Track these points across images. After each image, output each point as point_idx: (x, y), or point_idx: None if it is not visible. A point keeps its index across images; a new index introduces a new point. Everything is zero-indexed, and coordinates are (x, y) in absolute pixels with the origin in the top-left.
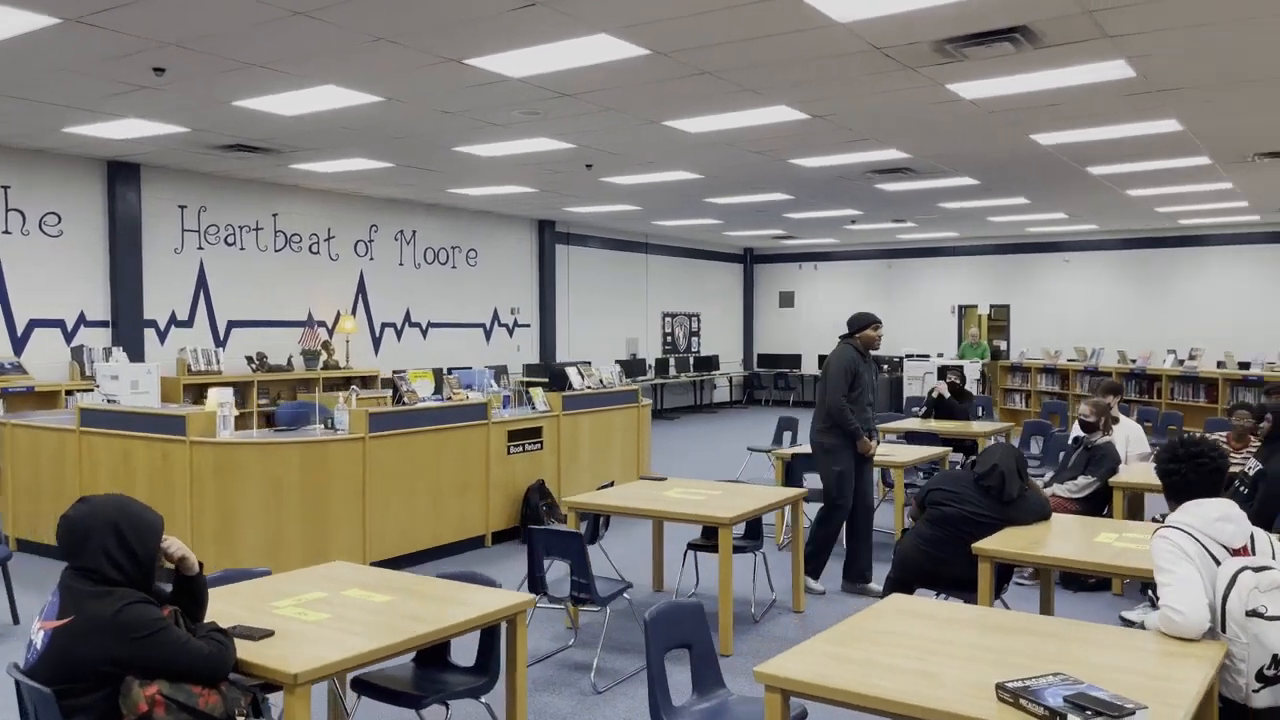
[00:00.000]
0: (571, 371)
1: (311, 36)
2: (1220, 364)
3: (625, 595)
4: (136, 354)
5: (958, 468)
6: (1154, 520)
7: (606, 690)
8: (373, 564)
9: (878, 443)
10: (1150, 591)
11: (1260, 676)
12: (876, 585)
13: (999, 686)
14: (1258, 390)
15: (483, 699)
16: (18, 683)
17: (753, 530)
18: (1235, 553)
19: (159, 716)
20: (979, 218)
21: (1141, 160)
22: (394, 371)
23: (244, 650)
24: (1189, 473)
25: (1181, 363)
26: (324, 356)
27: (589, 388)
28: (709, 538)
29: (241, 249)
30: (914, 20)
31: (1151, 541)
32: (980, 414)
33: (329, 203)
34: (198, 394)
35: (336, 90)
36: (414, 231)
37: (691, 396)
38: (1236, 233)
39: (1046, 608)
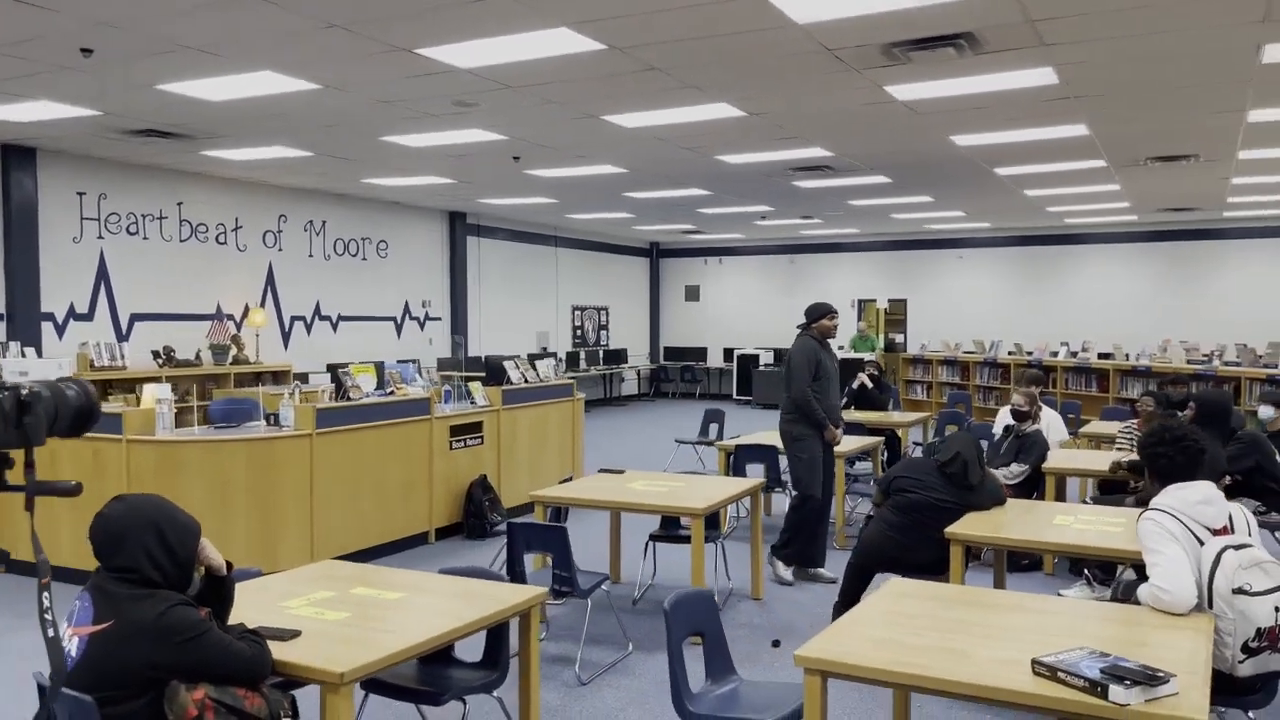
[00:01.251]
0: (509, 365)
1: (260, 20)
2: (1108, 355)
3: (604, 587)
4: (33, 348)
5: (918, 454)
6: (1085, 503)
7: (591, 681)
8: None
9: (842, 431)
10: (1086, 571)
11: (1245, 648)
12: (827, 572)
13: (1035, 661)
14: (1145, 379)
15: (495, 693)
16: (42, 694)
17: (711, 521)
18: (1216, 533)
19: None
20: (883, 215)
21: (1045, 162)
22: (336, 365)
23: (277, 651)
24: (1176, 455)
25: (1075, 354)
26: (233, 351)
27: (526, 381)
28: (668, 528)
29: (145, 238)
30: (869, 24)
31: (1138, 524)
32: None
33: (236, 191)
34: (101, 391)
35: (273, 76)
36: (324, 222)
37: (601, 389)
38: (1115, 232)
39: (999, 586)
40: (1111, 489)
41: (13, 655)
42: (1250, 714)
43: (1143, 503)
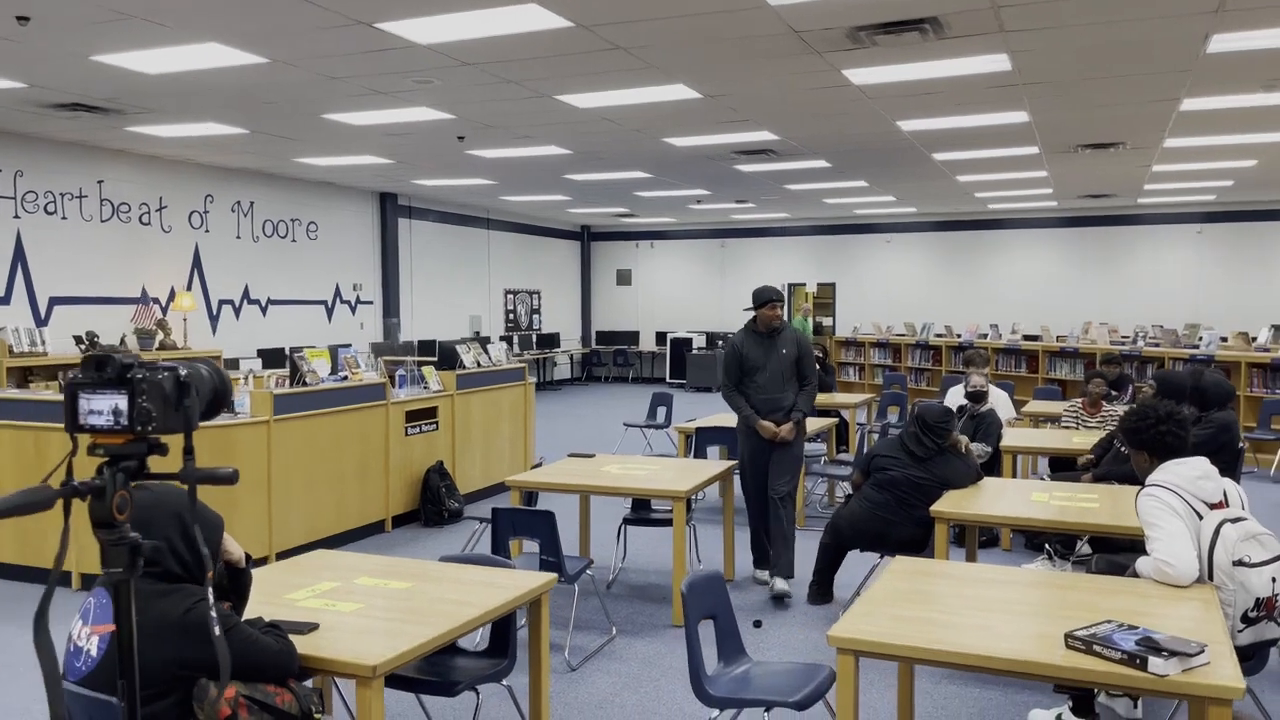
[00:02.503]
0: (461, 349)
1: None
2: (1035, 337)
3: (589, 571)
4: None
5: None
6: (1041, 479)
7: (580, 667)
8: (278, 555)
9: (796, 423)
10: (1047, 546)
11: (1245, 618)
12: (782, 584)
13: (1069, 635)
14: (1073, 360)
15: (504, 682)
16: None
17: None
18: (1213, 507)
19: (243, 719)
20: (815, 199)
21: (982, 148)
22: (267, 350)
23: (300, 645)
24: (1176, 429)
25: (1002, 336)
26: (160, 336)
27: (479, 365)
28: (638, 511)
29: (64, 218)
30: (839, 6)
31: (1138, 500)
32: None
33: (160, 170)
34: (21, 378)
35: (219, 49)
36: (252, 203)
37: (535, 374)
38: (1036, 217)
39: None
40: (1062, 466)
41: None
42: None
43: (1115, 478)
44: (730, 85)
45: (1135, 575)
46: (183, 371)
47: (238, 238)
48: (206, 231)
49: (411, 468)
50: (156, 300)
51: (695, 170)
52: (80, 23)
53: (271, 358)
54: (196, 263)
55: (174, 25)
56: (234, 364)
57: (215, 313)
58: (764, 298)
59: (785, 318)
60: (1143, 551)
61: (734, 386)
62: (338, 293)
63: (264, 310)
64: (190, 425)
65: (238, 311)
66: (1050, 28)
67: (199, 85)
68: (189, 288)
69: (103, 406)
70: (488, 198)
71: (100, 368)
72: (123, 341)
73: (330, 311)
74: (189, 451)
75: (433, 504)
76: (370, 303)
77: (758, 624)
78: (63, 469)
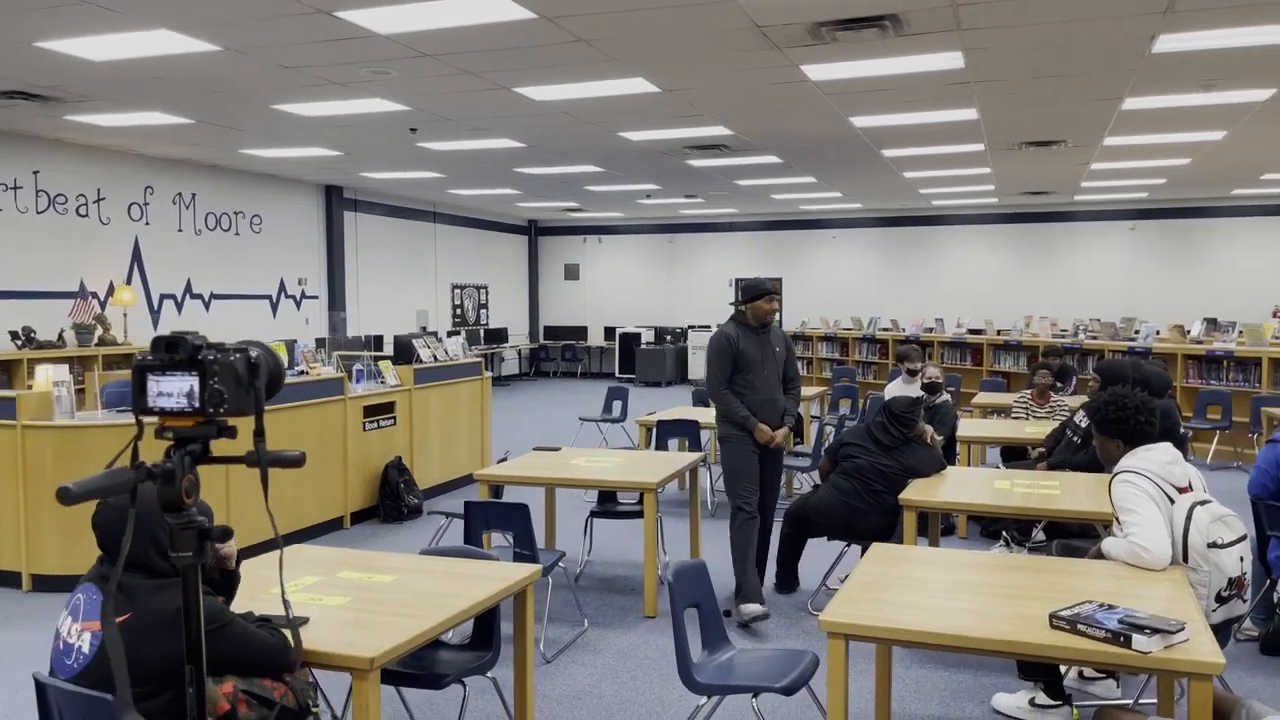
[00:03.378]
0: (419, 344)
1: None
2: (979, 331)
3: (564, 565)
4: None
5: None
6: (995, 467)
7: (555, 658)
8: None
9: (790, 428)
10: (1005, 533)
11: (1218, 598)
12: (755, 608)
13: (1053, 616)
14: (1016, 353)
15: (489, 674)
16: (43, 695)
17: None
18: (1180, 491)
19: (243, 715)
20: (764, 194)
21: (930, 145)
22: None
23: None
24: (1151, 418)
25: (947, 330)
26: (99, 331)
27: (436, 360)
28: (605, 504)
29: None
30: (803, 2)
31: (1113, 486)
32: None
33: (98, 160)
34: None
35: (170, 35)
36: (194, 195)
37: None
38: (977, 213)
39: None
40: (1013, 455)
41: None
42: None
43: (1069, 466)
44: (690, 80)
45: (1099, 556)
46: (253, 353)
47: (179, 230)
48: (147, 224)
49: (370, 463)
50: (95, 294)
51: (647, 165)
52: (23, 7)
53: None
54: (136, 256)
55: (124, 11)
56: None
57: (156, 307)
58: (761, 289)
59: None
60: (1096, 536)
61: (726, 386)
62: (282, 287)
63: (207, 305)
64: (260, 407)
65: (180, 306)
66: (1005, 26)
67: (146, 73)
68: (129, 281)
69: (172, 389)
70: (435, 191)
71: (171, 349)
72: (60, 338)
73: (275, 306)
74: (260, 433)
75: (392, 500)
76: (315, 297)
77: (727, 614)
78: (128, 453)
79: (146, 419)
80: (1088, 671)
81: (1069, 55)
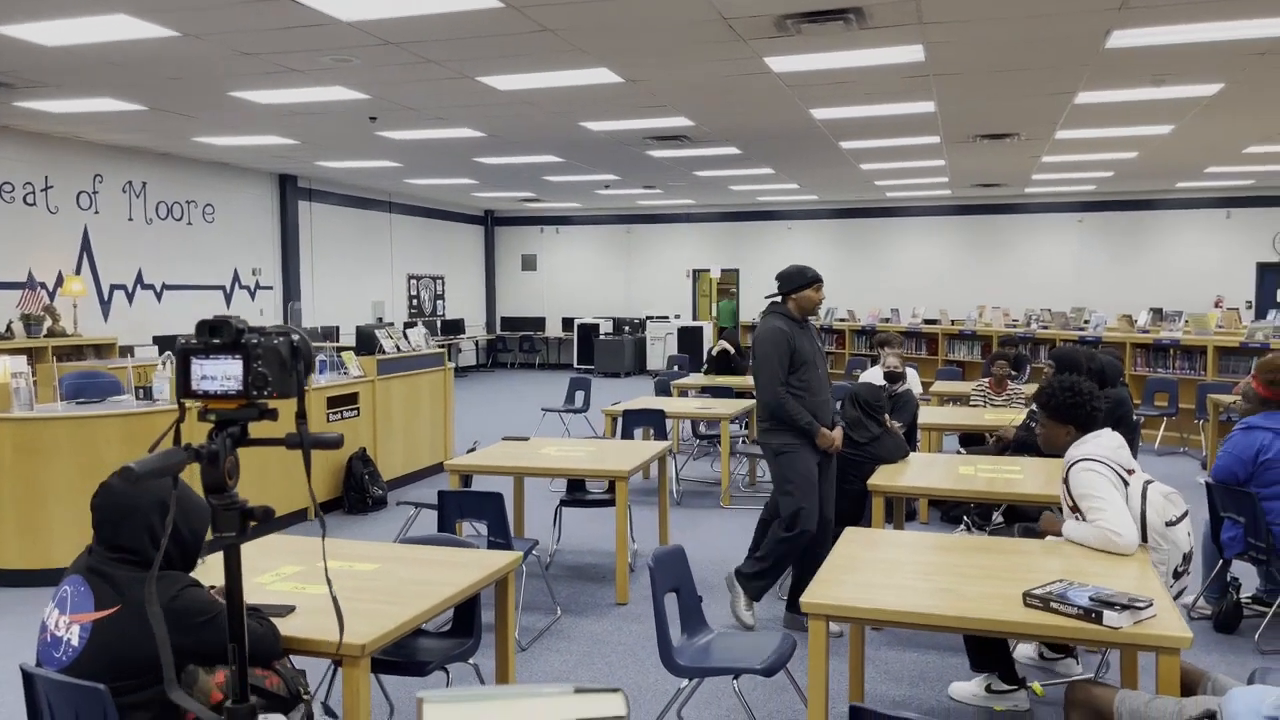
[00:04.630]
0: (381, 334)
1: None
2: (934, 321)
3: (535, 553)
4: None
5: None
6: (957, 453)
7: (530, 646)
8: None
9: (841, 432)
10: (966, 518)
11: (1175, 574)
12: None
13: (1027, 594)
14: (970, 343)
15: (471, 661)
16: (31, 687)
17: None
18: (1129, 473)
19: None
20: (722, 186)
21: (888, 137)
22: (163, 338)
23: (282, 628)
24: (1099, 404)
25: (903, 320)
26: (48, 322)
27: (399, 351)
28: (574, 493)
29: None
30: None
31: (1074, 474)
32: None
33: (46, 147)
34: None
35: (127, 20)
36: (144, 183)
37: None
38: (931, 205)
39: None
40: (971, 442)
41: None
42: None
43: (1020, 447)
44: (653, 71)
45: (1050, 525)
46: (295, 336)
47: (130, 219)
48: (96, 213)
49: (333, 455)
50: (44, 285)
51: (607, 155)
52: None
53: (168, 345)
54: (86, 246)
55: None
56: (129, 351)
57: (106, 298)
58: (808, 275)
59: (737, 302)
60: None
61: (783, 387)
62: (236, 277)
63: (159, 295)
64: (302, 389)
65: (130, 296)
66: (965, 20)
67: (100, 59)
68: (78, 272)
69: (216, 372)
70: (391, 180)
71: (215, 333)
72: (8, 329)
73: (229, 297)
74: (302, 415)
75: (356, 491)
76: (270, 288)
77: (700, 599)
78: (170, 435)
79: (189, 402)
80: (1048, 652)
81: (1026, 49)
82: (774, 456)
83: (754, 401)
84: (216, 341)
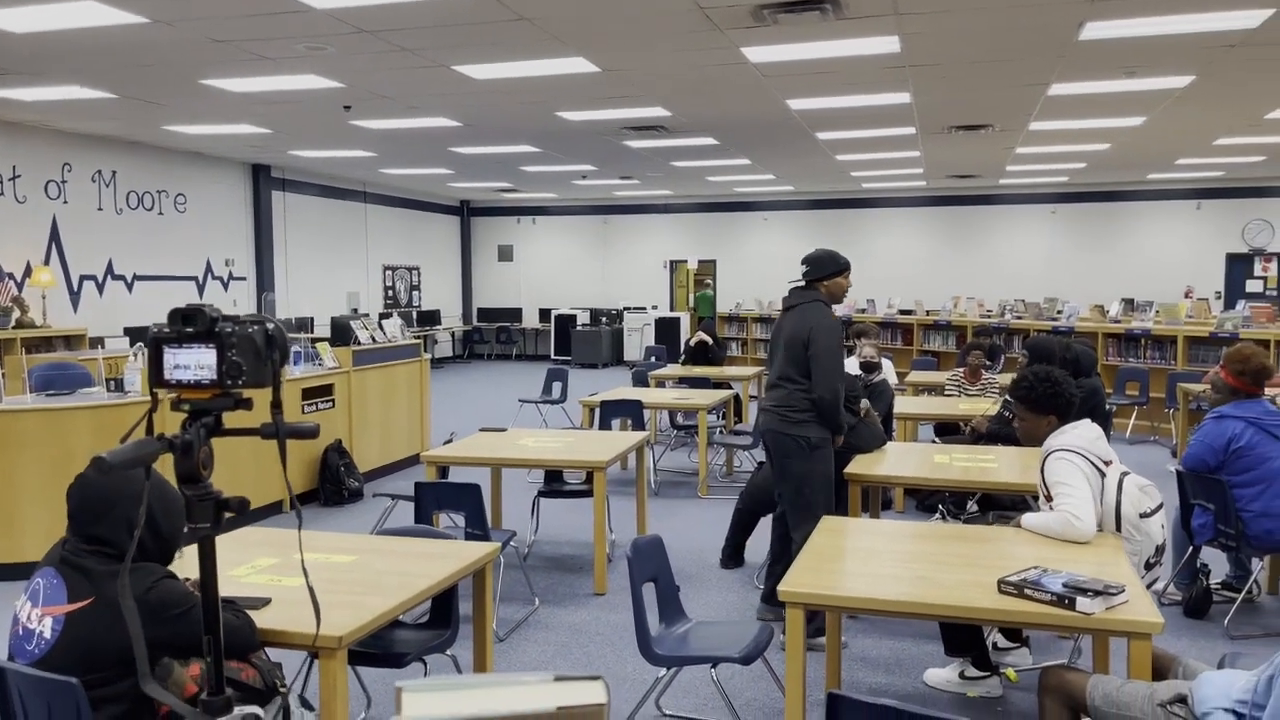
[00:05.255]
0: (357, 325)
1: None
2: (909, 311)
3: (513, 544)
4: None
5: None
6: (933, 443)
7: (509, 637)
8: None
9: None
10: (941, 506)
11: (1147, 565)
12: None
13: (1002, 581)
14: (945, 333)
15: (448, 652)
16: (2, 680)
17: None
18: (1106, 464)
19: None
20: (699, 177)
21: (864, 128)
22: (135, 329)
23: (259, 620)
24: (1073, 389)
25: (879, 310)
26: (16, 314)
27: (375, 341)
28: (551, 483)
29: None
30: None
31: (1048, 463)
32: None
33: (13, 136)
34: None
35: (96, 6)
36: (114, 172)
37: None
38: (906, 196)
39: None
40: (945, 431)
41: None
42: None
43: (993, 437)
44: (630, 60)
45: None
46: (270, 325)
47: (99, 209)
48: (65, 202)
49: (309, 446)
50: (11, 276)
51: (584, 145)
52: None
53: (140, 336)
54: (54, 236)
55: None
56: (99, 343)
57: (76, 289)
58: (842, 262)
59: (714, 292)
60: (1029, 508)
61: None
62: (209, 268)
63: (130, 286)
64: (278, 379)
65: (101, 287)
66: (940, 12)
67: (69, 46)
68: (46, 262)
69: (189, 361)
70: (366, 170)
71: (188, 321)
72: None
73: (201, 287)
74: (277, 405)
75: (332, 483)
76: (244, 279)
77: (677, 588)
78: (142, 426)
79: (162, 392)
80: (1002, 641)
81: (1001, 41)
82: (808, 450)
83: (730, 392)
84: (190, 330)
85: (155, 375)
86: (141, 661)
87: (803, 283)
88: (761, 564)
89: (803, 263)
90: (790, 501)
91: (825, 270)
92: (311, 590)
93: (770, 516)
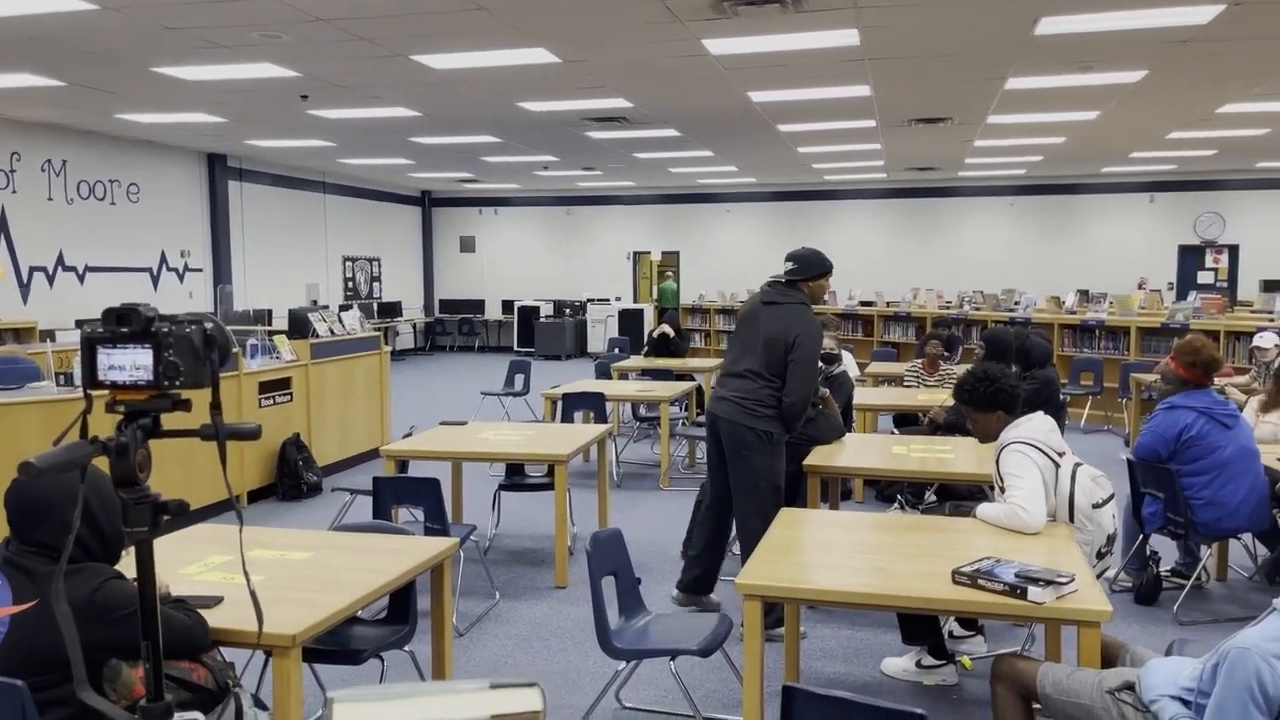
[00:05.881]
0: (314, 317)
1: None
2: (870, 303)
3: (474, 538)
4: None
5: None
6: (892, 434)
7: (468, 631)
8: None
9: None
10: (900, 496)
11: (1099, 554)
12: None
13: (955, 572)
14: (905, 324)
15: (406, 648)
16: None
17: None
18: (1060, 455)
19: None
20: (662, 168)
21: (825, 121)
22: (86, 321)
23: (210, 619)
24: (1014, 382)
25: (840, 302)
26: None
27: (333, 334)
28: (513, 477)
29: None
30: None
31: (1003, 455)
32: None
33: None
34: None
35: None
36: (64, 162)
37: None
38: (867, 188)
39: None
40: (904, 422)
41: None
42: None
43: (950, 428)
44: (591, 51)
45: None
46: (208, 324)
47: (49, 199)
48: (13, 192)
49: (266, 441)
50: None
51: (546, 136)
52: None
53: None
54: (3, 226)
55: None
56: (50, 336)
57: (26, 281)
58: (828, 265)
59: (677, 284)
60: (985, 497)
61: None
62: (163, 259)
63: (81, 278)
64: (217, 379)
65: (51, 279)
66: (898, 6)
67: (17, 32)
68: None
69: (124, 361)
70: (325, 160)
71: (122, 321)
72: None
73: (156, 279)
74: (216, 406)
75: (290, 478)
76: (199, 270)
77: (638, 580)
78: (76, 429)
79: (96, 393)
80: (957, 629)
81: (958, 35)
82: (769, 444)
83: (693, 384)
84: (125, 330)
85: (89, 376)
86: (78, 668)
87: (784, 279)
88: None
89: (789, 259)
90: (745, 492)
91: (812, 271)
92: (254, 594)
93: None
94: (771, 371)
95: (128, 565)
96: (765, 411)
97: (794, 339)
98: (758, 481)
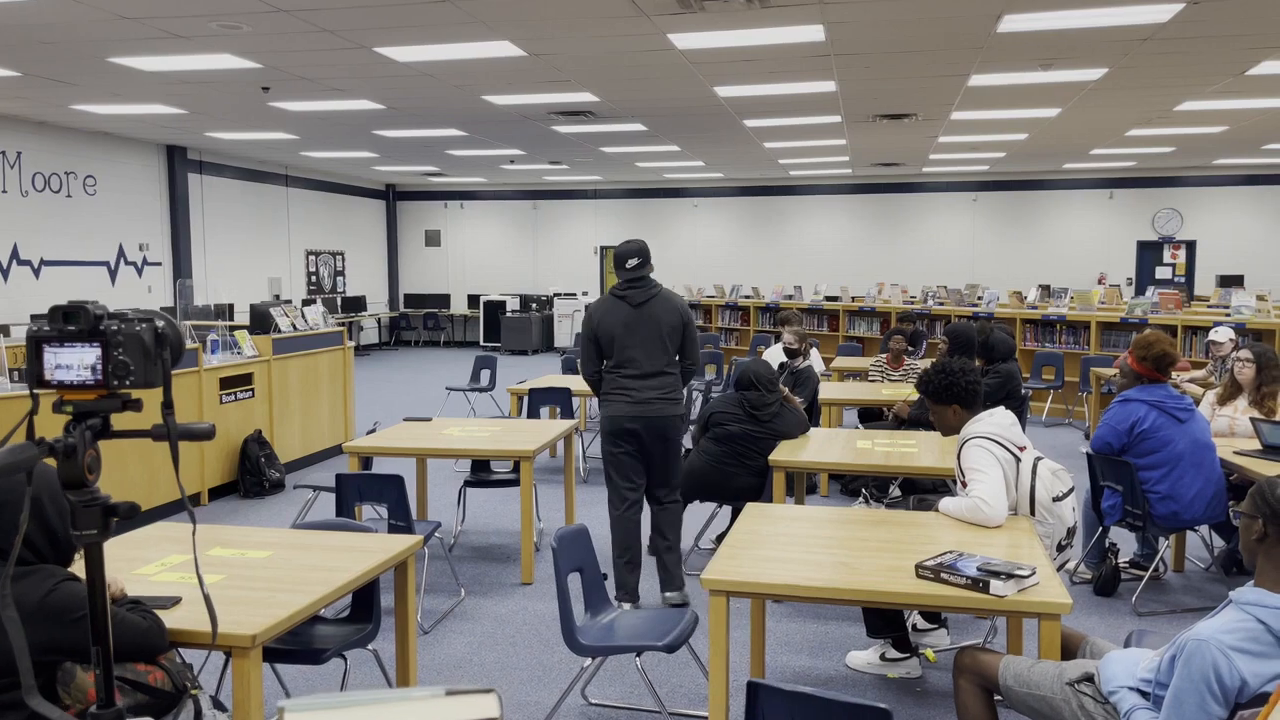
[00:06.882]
0: (277, 312)
1: None
2: (835, 298)
3: (438, 535)
4: None
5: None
6: (856, 428)
7: (433, 629)
8: None
9: None
10: (864, 490)
11: (1059, 547)
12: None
13: (919, 566)
14: (870, 319)
15: (370, 647)
16: None
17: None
18: (1021, 449)
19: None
20: (628, 163)
21: (791, 116)
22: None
23: (167, 620)
24: (973, 377)
25: (805, 297)
26: None
27: (295, 329)
28: (478, 473)
29: None
30: None
31: (965, 449)
32: None
33: None
34: None
35: None
36: (18, 154)
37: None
38: (832, 184)
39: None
40: (870, 417)
41: None
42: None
43: (914, 423)
44: (556, 44)
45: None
46: (159, 322)
47: (3, 191)
48: None
49: (228, 437)
50: None
51: (512, 130)
52: None
53: None
54: None
55: None
56: (4, 331)
57: None
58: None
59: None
60: (948, 491)
61: None
62: (121, 253)
63: (37, 272)
64: (169, 378)
65: (5, 273)
66: (863, 2)
67: None
68: None
69: (72, 360)
70: (288, 153)
71: (69, 319)
72: None
73: (114, 273)
74: (169, 405)
75: (252, 475)
76: (159, 264)
77: (605, 576)
78: (22, 429)
79: (43, 392)
80: (921, 623)
81: (922, 32)
82: (680, 426)
83: None
84: (72, 329)
85: (35, 375)
86: (26, 675)
87: (638, 274)
88: (689, 549)
89: (630, 255)
90: (673, 472)
91: (649, 256)
92: (207, 597)
93: (697, 501)
94: (673, 358)
95: (81, 567)
96: (681, 396)
97: (686, 317)
98: (679, 457)
